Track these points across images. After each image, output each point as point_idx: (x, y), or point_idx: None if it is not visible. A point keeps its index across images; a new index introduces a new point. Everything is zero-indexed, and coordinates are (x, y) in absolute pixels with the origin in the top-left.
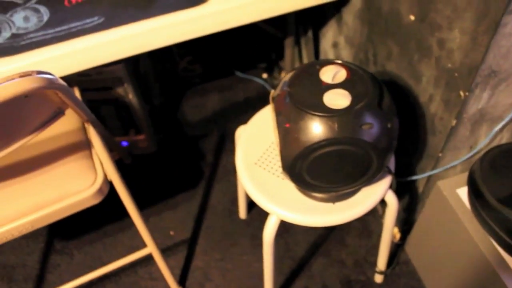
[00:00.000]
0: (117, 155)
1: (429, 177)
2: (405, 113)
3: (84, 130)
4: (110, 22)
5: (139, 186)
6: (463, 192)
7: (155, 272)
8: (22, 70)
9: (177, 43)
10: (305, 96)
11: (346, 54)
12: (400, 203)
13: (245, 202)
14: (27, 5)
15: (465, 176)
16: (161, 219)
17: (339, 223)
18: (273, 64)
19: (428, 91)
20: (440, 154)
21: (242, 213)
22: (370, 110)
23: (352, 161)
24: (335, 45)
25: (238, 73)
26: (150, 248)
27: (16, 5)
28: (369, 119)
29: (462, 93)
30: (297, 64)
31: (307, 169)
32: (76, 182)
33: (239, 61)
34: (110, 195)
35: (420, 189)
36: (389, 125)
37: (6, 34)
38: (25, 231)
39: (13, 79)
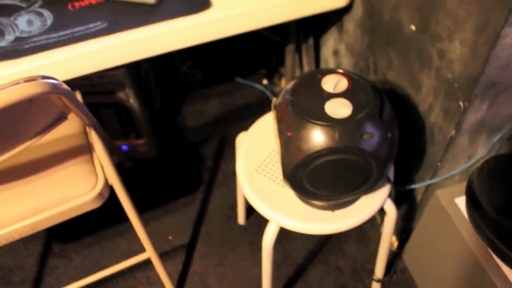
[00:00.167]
0: (117, 159)
1: (428, 186)
2: (405, 122)
3: (86, 134)
4: (113, 27)
5: (139, 191)
6: (461, 202)
7: (153, 276)
8: (25, 74)
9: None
10: (307, 105)
11: (347, 62)
12: (399, 212)
13: (244, 208)
14: (31, 9)
15: (463, 185)
16: (160, 223)
17: (338, 231)
18: (273, 71)
19: (428, 101)
20: (439, 164)
21: (241, 219)
22: (371, 120)
23: (353, 170)
24: (335, 52)
25: (239, 79)
26: (149, 252)
27: (20, 8)
28: (369, 128)
29: (461, 104)
30: (297, 71)
31: (308, 177)
32: (77, 186)
33: (240, 67)
34: (109, 199)
35: (419, 198)
36: (389, 135)
37: (10, 37)
38: (25, 233)
39: (18, 83)
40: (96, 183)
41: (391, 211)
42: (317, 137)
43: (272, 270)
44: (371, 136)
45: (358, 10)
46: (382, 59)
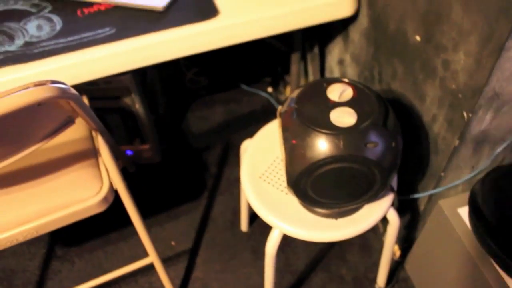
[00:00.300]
0: (121, 164)
1: (431, 196)
2: (409, 132)
3: (92, 138)
4: (121, 34)
5: (142, 196)
6: (464, 212)
7: (156, 282)
8: (34, 78)
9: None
10: (312, 113)
11: (352, 71)
12: (401, 221)
13: (247, 215)
14: (41, 14)
15: (466, 196)
16: (163, 229)
17: (341, 239)
18: (278, 79)
19: (432, 111)
20: (442, 174)
21: (244, 226)
22: (375, 129)
23: (356, 179)
24: (341, 62)
25: (244, 86)
26: (152, 257)
27: (30, 14)
28: (374, 137)
29: (465, 114)
30: (302, 80)
31: (312, 185)
32: (82, 189)
33: (245, 74)
34: (112, 204)
35: (422, 207)
36: (393, 144)
37: (20, 42)
38: (29, 236)
39: (28, 87)
40: (101, 187)
41: (394, 220)
42: (322, 145)
43: (274, 277)
44: (375, 145)
45: (363, 20)
46: (387, 69)
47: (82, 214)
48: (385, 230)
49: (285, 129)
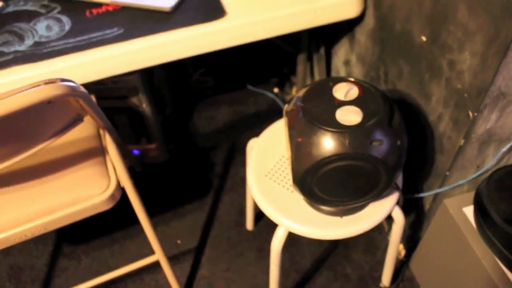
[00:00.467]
0: (128, 163)
1: (436, 195)
2: (414, 131)
3: (99, 137)
4: (129, 34)
5: (149, 195)
6: (469, 211)
7: (161, 279)
8: (43, 77)
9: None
10: (318, 112)
11: (358, 71)
12: (406, 220)
13: (253, 214)
14: (50, 14)
15: (471, 195)
16: (169, 227)
17: (346, 236)
18: (284, 79)
19: (438, 111)
20: (447, 173)
21: (249, 225)
22: (380, 127)
23: (362, 177)
24: (347, 62)
25: (250, 87)
26: (158, 255)
27: (40, 14)
28: (379, 136)
29: (471, 114)
30: (308, 80)
31: (317, 183)
32: (90, 187)
33: (251, 74)
34: (119, 203)
35: (427, 206)
36: (398, 142)
37: (29, 42)
38: (37, 232)
39: (38, 85)
40: (109, 185)
41: (399, 219)
42: (328, 143)
43: (279, 275)
44: (381, 143)
45: (369, 21)
46: (392, 69)
47: (89, 211)
48: (390, 229)
49: (291, 127)
